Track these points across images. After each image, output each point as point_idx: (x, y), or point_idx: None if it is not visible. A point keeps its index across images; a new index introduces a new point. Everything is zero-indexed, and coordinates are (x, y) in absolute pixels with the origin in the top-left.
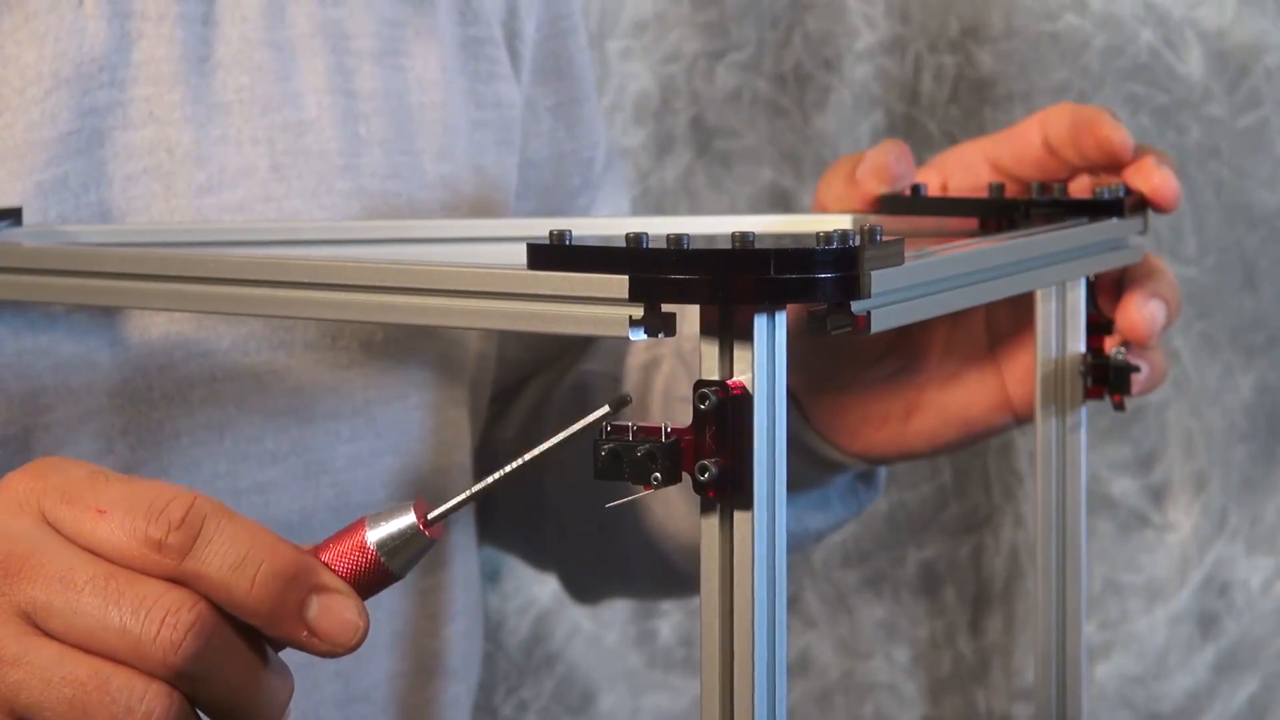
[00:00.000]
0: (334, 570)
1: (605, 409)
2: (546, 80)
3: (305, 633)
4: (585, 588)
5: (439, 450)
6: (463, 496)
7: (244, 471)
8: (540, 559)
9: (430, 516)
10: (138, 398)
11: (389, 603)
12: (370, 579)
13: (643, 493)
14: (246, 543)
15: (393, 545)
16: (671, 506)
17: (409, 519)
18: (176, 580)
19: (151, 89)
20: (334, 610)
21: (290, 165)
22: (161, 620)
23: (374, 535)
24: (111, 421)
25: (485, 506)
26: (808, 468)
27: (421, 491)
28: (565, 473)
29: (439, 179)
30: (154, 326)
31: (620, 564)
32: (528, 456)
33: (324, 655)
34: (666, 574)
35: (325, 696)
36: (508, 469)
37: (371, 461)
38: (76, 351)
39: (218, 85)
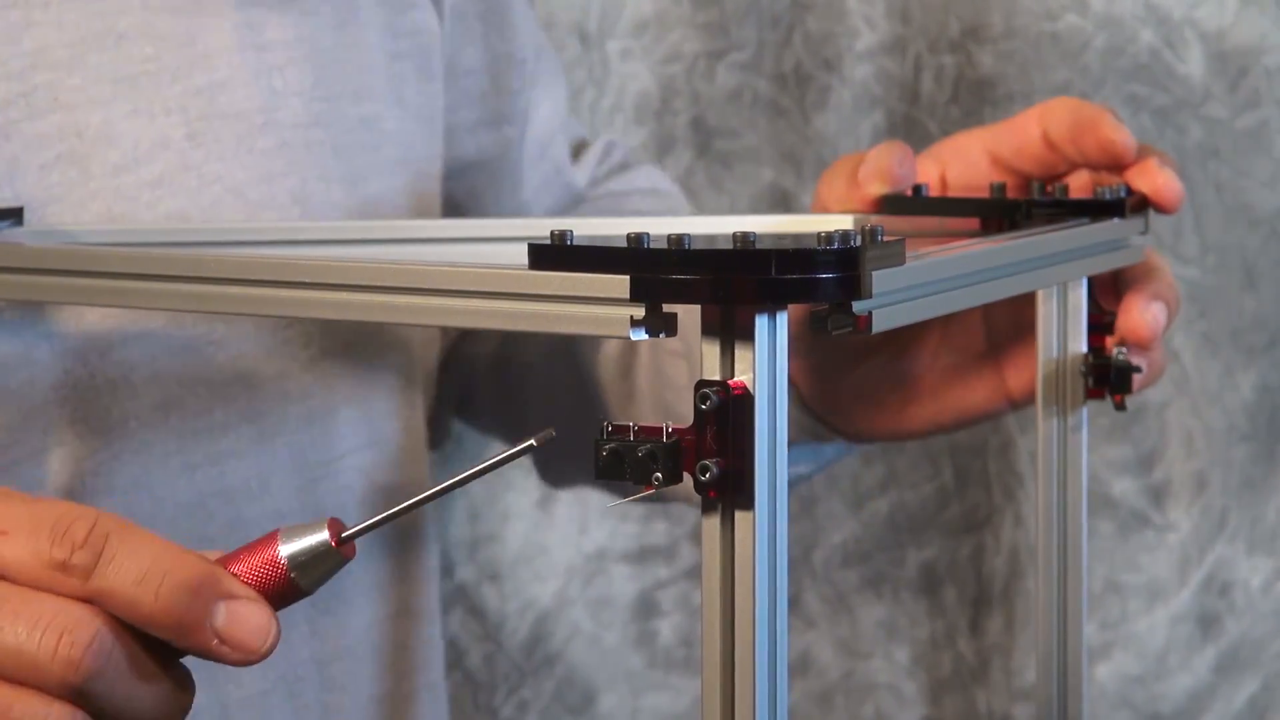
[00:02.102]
0: (244, 582)
1: (531, 441)
2: None
3: (215, 641)
4: (558, 473)
5: (394, 398)
6: (377, 519)
7: (196, 446)
8: (517, 442)
9: (344, 535)
10: (81, 387)
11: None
12: (279, 593)
13: (645, 493)
14: (149, 557)
15: (304, 560)
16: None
17: (322, 535)
18: (84, 600)
19: (51, 74)
20: (243, 617)
21: (206, 130)
22: (58, 638)
23: (286, 549)
24: (57, 414)
25: (466, 395)
26: (799, 436)
27: (378, 444)
28: (545, 368)
29: (359, 121)
30: (88, 312)
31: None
32: (447, 484)
33: (236, 664)
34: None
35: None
36: (425, 495)
37: (326, 417)
38: (13, 350)
39: (122, 60)
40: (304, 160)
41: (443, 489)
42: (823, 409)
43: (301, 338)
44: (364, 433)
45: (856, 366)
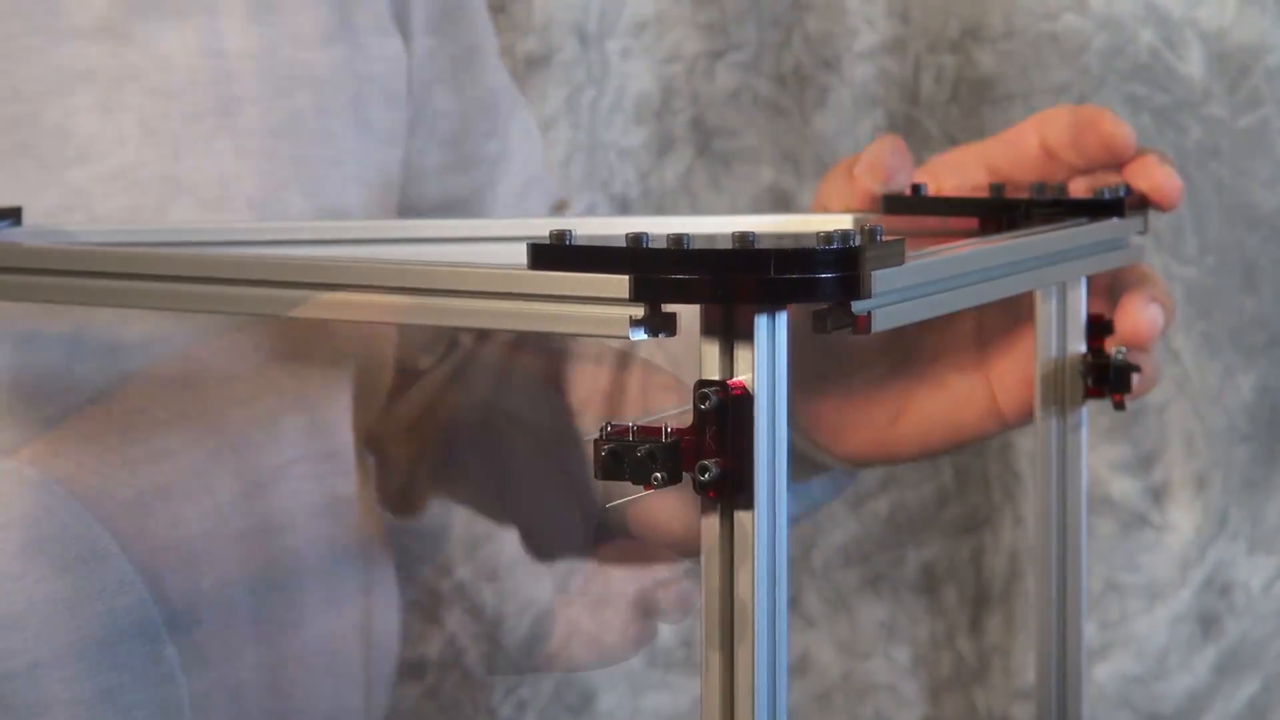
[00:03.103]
0: None
1: None
2: (443, 29)
3: None
4: (538, 547)
5: (344, 408)
6: None
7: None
8: (499, 516)
9: None
10: (20, 378)
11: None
12: None
13: (643, 493)
14: None
15: None
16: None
17: None
18: None
19: (8, 64)
20: None
21: (163, 129)
22: None
23: None
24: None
25: (440, 471)
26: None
27: (328, 454)
28: (529, 437)
29: (320, 133)
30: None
31: (582, 531)
32: None
33: None
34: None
35: None
36: None
37: (270, 423)
38: None
39: (79, 56)
40: (263, 167)
41: None
42: (811, 427)
43: (250, 340)
44: (314, 441)
45: (845, 382)
